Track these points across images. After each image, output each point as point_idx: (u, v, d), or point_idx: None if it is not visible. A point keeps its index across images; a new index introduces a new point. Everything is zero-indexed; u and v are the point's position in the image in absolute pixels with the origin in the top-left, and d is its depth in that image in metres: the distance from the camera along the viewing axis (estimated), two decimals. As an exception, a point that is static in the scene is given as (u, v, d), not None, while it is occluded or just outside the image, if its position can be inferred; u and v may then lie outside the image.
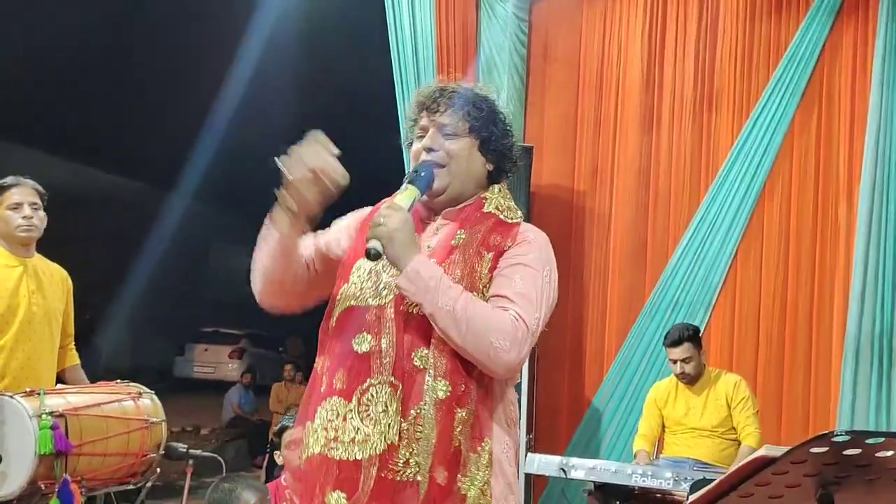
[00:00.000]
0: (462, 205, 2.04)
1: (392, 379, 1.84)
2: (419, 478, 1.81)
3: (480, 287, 1.91)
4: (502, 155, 2.07)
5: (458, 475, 1.83)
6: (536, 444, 5.62)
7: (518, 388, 1.99)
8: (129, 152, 15.93)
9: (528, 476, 5.13)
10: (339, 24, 10.63)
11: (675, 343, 4.71)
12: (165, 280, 17.68)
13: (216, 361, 17.92)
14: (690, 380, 4.71)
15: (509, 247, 1.97)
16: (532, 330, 1.89)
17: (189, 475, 3.69)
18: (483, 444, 1.87)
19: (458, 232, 1.98)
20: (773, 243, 5.75)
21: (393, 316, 1.89)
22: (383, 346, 1.87)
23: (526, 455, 4.51)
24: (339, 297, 2.00)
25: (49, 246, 3.81)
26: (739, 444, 4.71)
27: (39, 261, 3.69)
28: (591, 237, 6.22)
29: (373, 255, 1.86)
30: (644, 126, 6.13)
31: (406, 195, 1.94)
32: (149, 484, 3.53)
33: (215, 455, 3.81)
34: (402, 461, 1.81)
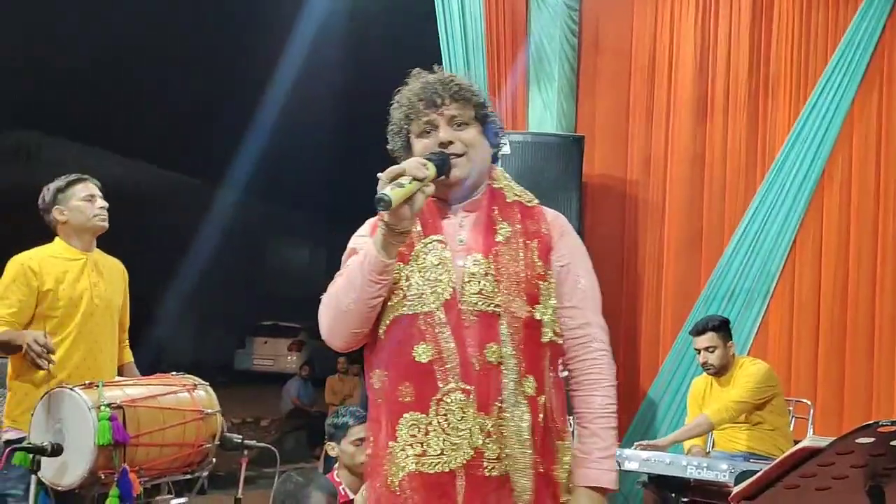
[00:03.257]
0: (478, 194, 2.03)
1: (463, 385, 1.84)
2: (515, 472, 1.84)
3: (537, 274, 1.95)
4: (497, 136, 2.09)
5: (554, 463, 1.90)
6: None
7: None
8: (186, 149, 16.20)
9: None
10: (386, 19, 10.66)
11: (699, 332, 4.65)
12: (224, 275, 17.97)
13: (276, 354, 18.17)
14: (716, 371, 4.62)
15: (546, 232, 2.00)
16: (605, 328, 2.15)
17: (244, 465, 3.73)
18: (566, 430, 1.94)
19: (500, 225, 1.98)
20: (833, 230, 5.62)
21: (445, 320, 1.88)
22: (444, 352, 1.86)
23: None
24: (385, 307, 1.94)
25: (109, 242, 3.88)
26: (781, 431, 4.59)
27: (99, 255, 3.74)
28: (645, 226, 6.15)
29: (384, 204, 1.73)
30: (698, 114, 6.04)
31: (429, 171, 1.84)
32: (205, 473, 3.58)
33: (269, 446, 3.85)
34: (493, 457, 1.83)
